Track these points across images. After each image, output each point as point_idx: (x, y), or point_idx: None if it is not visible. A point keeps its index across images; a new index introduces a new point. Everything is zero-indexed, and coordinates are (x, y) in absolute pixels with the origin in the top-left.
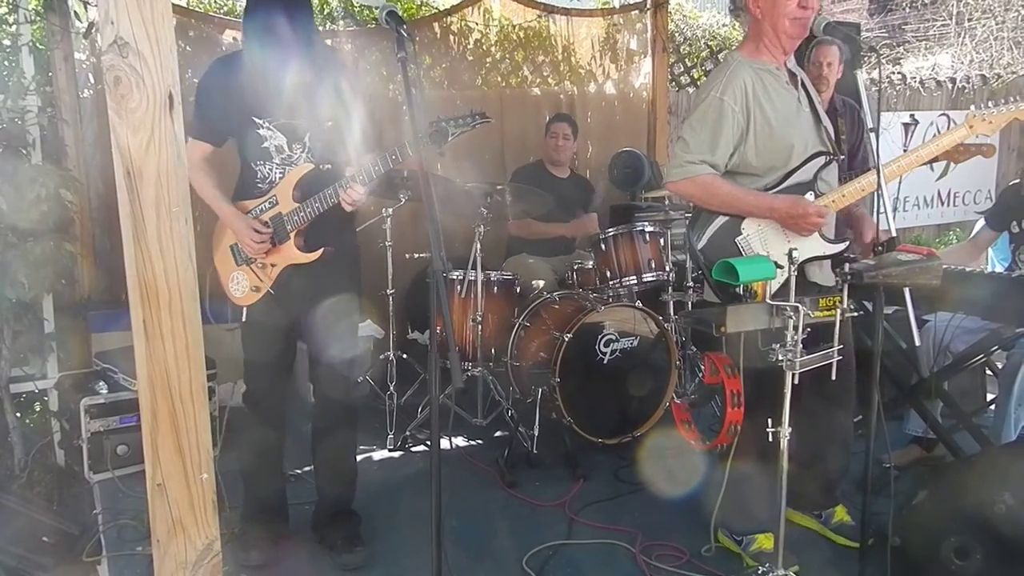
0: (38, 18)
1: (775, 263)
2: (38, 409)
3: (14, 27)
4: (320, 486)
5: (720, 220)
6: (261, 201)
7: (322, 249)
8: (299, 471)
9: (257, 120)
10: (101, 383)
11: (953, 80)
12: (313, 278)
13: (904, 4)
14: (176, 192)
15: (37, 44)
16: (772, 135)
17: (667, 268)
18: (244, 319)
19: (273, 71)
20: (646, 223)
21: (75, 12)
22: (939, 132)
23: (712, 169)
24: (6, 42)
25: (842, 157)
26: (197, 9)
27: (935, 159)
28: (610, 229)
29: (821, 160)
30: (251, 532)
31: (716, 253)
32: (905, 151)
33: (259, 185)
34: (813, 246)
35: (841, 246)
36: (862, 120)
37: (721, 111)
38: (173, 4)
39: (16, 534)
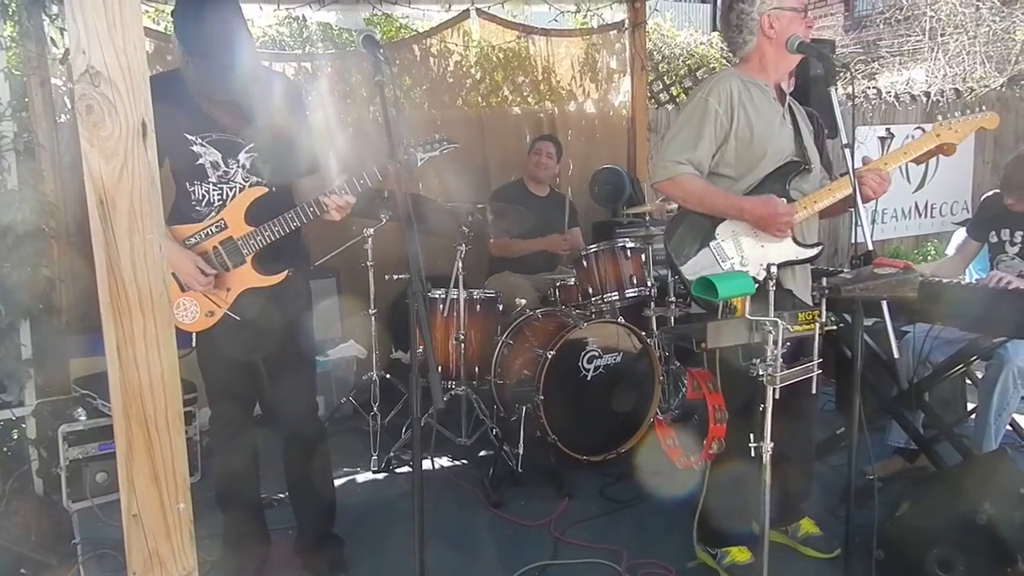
0: (14, 44)
1: (753, 278)
2: (16, 437)
3: None
4: (297, 512)
5: (699, 238)
6: (205, 226)
7: (285, 272)
8: (282, 495)
9: (190, 137)
10: (80, 410)
11: (928, 94)
12: (273, 300)
13: (878, 21)
14: (150, 219)
15: (13, 70)
16: (752, 141)
17: (649, 284)
18: (195, 344)
19: (203, 86)
20: (627, 239)
21: (51, 38)
22: None
23: (693, 168)
24: None
25: (813, 166)
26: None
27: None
28: (592, 246)
29: (793, 169)
30: (232, 559)
31: (696, 267)
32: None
33: (196, 208)
34: (785, 250)
35: (814, 250)
36: (821, 126)
37: (705, 110)
38: (151, 29)
39: None
